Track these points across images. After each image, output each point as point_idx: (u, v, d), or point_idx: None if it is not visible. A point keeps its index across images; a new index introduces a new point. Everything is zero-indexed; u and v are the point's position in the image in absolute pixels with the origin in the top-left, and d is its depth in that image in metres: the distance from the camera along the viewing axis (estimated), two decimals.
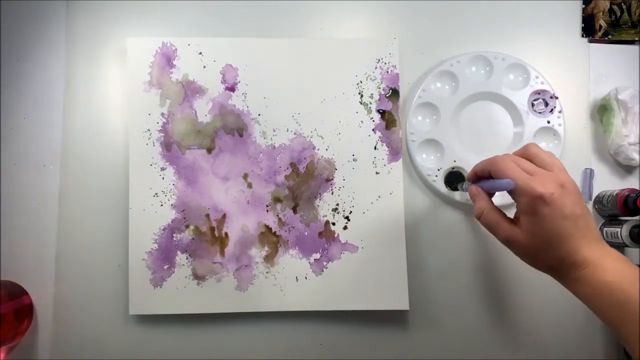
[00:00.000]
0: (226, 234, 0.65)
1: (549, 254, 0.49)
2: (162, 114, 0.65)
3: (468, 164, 0.66)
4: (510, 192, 0.50)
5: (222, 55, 0.66)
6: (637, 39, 0.70)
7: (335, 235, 0.65)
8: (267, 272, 0.64)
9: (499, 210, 0.53)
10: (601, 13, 0.70)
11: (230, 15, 0.69)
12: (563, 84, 0.68)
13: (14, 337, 0.63)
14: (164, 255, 0.64)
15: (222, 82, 0.66)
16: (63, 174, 0.67)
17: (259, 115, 0.66)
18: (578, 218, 0.48)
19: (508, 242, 0.51)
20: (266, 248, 0.65)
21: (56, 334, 0.65)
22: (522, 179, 0.48)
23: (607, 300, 0.47)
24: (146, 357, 0.65)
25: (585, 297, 0.49)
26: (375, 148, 0.66)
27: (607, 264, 0.48)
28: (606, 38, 0.70)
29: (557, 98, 0.67)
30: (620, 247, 0.66)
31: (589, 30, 0.70)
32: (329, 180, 0.66)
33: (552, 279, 0.66)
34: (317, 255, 0.65)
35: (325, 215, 0.65)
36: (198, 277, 0.64)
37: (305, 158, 0.66)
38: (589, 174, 0.68)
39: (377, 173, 0.66)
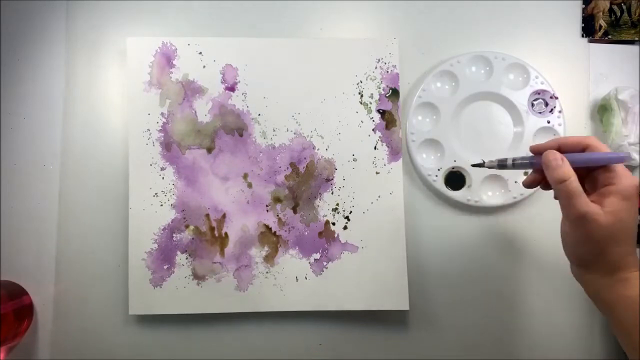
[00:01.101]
0: (226, 233, 0.65)
1: (617, 244, 0.48)
2: (162, 114, 0.65)
3: (468, 164, 0.66)
4: (604, 171, 0.50)
5: (222, 55, 0.66)
6: (637, 39, 0.70)
7: (335, 235, 0.65)
8: (267, 272, 0.64)
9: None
10: (601, 13, 0.70)
11: (230, 15, 0.69)
12: (563, 84, 0.68)
13: (14, 337, 0.63)
14: (164, 255, 0.64)
15: (222, 82, 0.66)
16: (63, 174, 0.67)
17: (259, 115, 0.66)
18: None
19: (584, 218, 0.48)
20: (266, 248, 0.65)
21: (56, 334, 0.65)
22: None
23: None
24: (146, 357, 0.65)
25: (625, 300, 0.48)
26: (375, 148, 0.66)
27: None
28: (606, 38, 0.70)
29: (557, 98, 0.67)
30: None
31: (589, 30, 0.70)
32: (329, 180, 0.66)
33: (552, 280, 0.67)
34: (317, 255, 0.65)
35: (325, 215, 0.65)
36: (198, 277, 0.64)
37: (305, 158, 0.66)
38: None
39: (377, 173, 0.66)
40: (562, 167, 0.50)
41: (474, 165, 0.60)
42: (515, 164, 0.54)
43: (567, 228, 0.51)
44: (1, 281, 0.64)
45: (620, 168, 0.49)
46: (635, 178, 0.48)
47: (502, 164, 0.56)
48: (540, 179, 0.54)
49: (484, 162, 0.57)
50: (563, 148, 0.52)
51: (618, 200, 0.48)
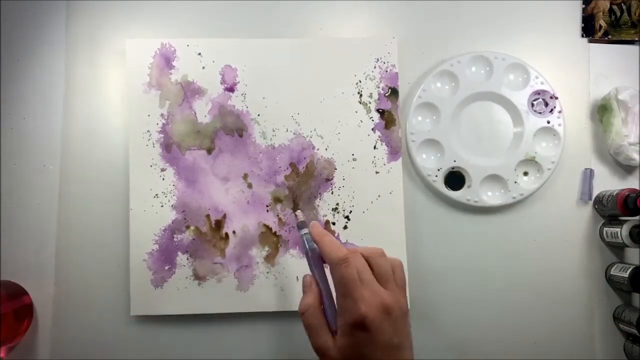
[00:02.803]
0: (226, 234, 0.65)
1: None
2: (162, 115, 0.65)
3: (468, 164, 0.66)
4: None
5: (221, 56, 0.66)
6: (637, 39, 0.70)
7: (336, 235, 0.65)
8: (267, 272, 0.65)
9: (323, 313, 0.50)
10: (601, 13, 0.69)
11: (229, 15, 0.69)
12: (563, 84, 0.68)
13: (14, 337, 0.63)
14: (165, 256, 0.64)
15: (221, 83, 0.66)
16: (63, 174, 0.66)
17: (259, 115, 0.66)
18: (394, 348, 0.46)
19: (319, 353, 0.49)
20: (266, 248, 0.65)
21: (56, 334, 0.65)
22: (354, 295, 0.46)
23: None
24: (147, 357, 0.65)
25: None
26: (374, 147, 0.66)
27: None
28: (606, 38, 0.70)
29: (557, 98, 0.67)
30: (620, 247, 0.67)
31: (589, 30, 0.70)
32: (328, 180, 0.66)
33: (552, 280, 0.67)
34: None
35: (325, 215, 0.66)
36: (199, 278, 0.64)
37: (304, 158, 0.66)
38: (589, 174, 0.68)
39: (376, 172, 0.66)
40: (306, 296, 0.51)
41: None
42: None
43: None
44: (1, 281, 0.64)
45: (355, 293, 0.46)
46: (359, 308, 0.45)
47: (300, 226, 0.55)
48: None
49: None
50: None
51: (342, 336, 0.47)
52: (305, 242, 0.54)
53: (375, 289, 0.47)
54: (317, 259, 0.53)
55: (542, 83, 0.67)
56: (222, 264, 0.64)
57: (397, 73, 0.67)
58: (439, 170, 0.66)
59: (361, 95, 0.67)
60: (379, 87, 0.67)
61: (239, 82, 0.66)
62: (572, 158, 0.68)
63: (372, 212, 0.65)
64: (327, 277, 0.52)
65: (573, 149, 0.68)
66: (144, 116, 0.65)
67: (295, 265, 0.65)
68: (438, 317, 0.67)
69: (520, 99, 0.67)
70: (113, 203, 0.66)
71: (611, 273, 0.66)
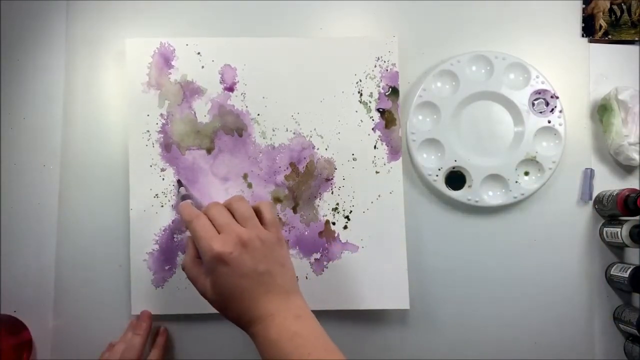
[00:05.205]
0: None
1: (231, 311, 0.50)
2: (161, 115, 0.65)
3: (469, 164, 0.66)
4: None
5: (221, 55, 0.66)
6: (637, 39, 0.69)
7: (336, 235, 0.65)
8: None
9: (200, 263, 0.52)
10: (601, 13, 0.69)
11: (228, 15, 0.68)
12: (563, 83, 0.68)
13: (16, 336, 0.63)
14: (165, 256, 0.64)
15: (220, 82, 0.66)
16: (63, 174, 0.67)
17: (258, 115, 0.66)
18: (261, 275, 0.50)
19: (204, 297, 0.52)
20: None
21: (58, 334, 0.65)
22: (204, 239, 0.50)
23: (271, 358, 0.47)
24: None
25: (260, 354, 0.49)
26: (375, 147, 0.66)
27: (278, 320, 0.48)
28: (606, 38, 0.69)
29: (557, 98, 0.67)
30: (620, 247, 0.67)
31: (589, 30, 0.70)
32: (328, 179, 0.66)
33: (552, 280, 0.67)
34: (318, 255, 0.65)
35: (325, 215, 0.65)
36: None
37: (304, 158, 0.66)
38: (589, 174, 0.68)
39: (377, 172, 0.66)
40: (186, 252, 0.54)
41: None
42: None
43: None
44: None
45: (199, 246, 0.51)
46: (213, 248, 0.49)
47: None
48: None
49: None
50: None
51: (209, 275, 0.51)
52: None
53: (232, 228, 0.51)
54: None
55: (542, 82, 0.67)
56: None
57: (397, 72, 0.67)
58: (439, 170, 0.66)
59: (361, 95, 0.67)
60: (379, 87, 0.67)
61: (238, 81, 0.66)
62: (572, 158, 0.68)
63: (372, 212, 0.65)
64: None
65: (573, 148, 0.68)
66: (144, 116, 0.65)
67: (295, 265, 0.63)
68: (438, 317, 0.67)
69: (521, 99, 0.67)
70: (113, 203, 0.66)
71: (611, 273, 0.66)
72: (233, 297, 0.49)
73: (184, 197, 0.61)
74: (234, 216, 0.53)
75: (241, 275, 0.49)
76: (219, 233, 0.51)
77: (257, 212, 0.54)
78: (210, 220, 0.52)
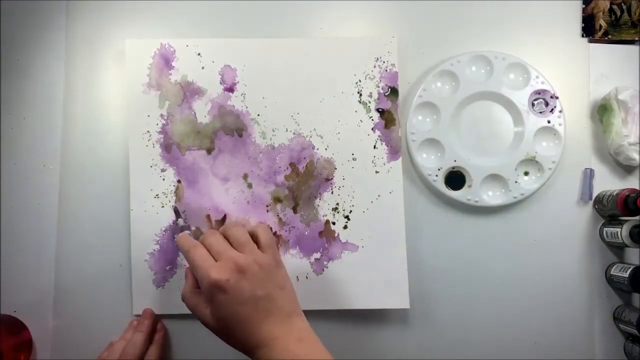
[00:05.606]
0: None
1: (233, 338, 0.51)
2: (162, 115, 0.65)
3: (468, 164, 0.66)
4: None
5: (221, 56, 0.66)
6: (637, 39, 0.69)
7: (336, 235, 0.65)
8: None
9: (199, 292, 0.53)
10: (601, 13, 0.69)
11: (228, 15, 0.68)
12: (563, 84, 0.68)
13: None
14: (166, 256, 0.64)
15: (220, 83, 0.66)
16: (63, 174, 0.67)
17: (258, 115, 0.66)
18: (260, 299, 0.50)
19: (206, 326, 0.53)
20: None
21: (58, 334, 0.65)
22: (202, 267, 0.51)
23: None
24: None
25: None
26: (374, 147, 0.66)
27: (282, 344, 0.49)
28: (606, 38, 0.69)
29: (557, 98, 0.67)
30: (620, 247, 0.67)
31: (589, 30, 0.70)
32: (328, 179, 0.66)
33: (552, 280, 0.67)
34: (318, 255, 0.65)
35: (325, 215, 0.66)
36: None
37: (304, 158, 0.66)
38: (589, 174, 0.68)
39: (376, 172, 0.66)
40: (185, 283, 0.56)
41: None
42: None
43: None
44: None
45: (197, 276, 0.52)
46: (210, 276, 0.50)
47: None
48: None
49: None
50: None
51: (208, 304, 0.52)
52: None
53: (229, 254, 0.52)
54: None
55: (542, 82, 0.67)
56: None
57: (397, 72, 0.67)
58: (439, 170, 0.66)
59: (361, 95, 0.67)
60: (378, 87, 0.67)
61: (238, 82, 0.66)
62: (572, 158, 0.68)
63: (372, 212, 0.65)
64: None
65: (573, 148, 0.68)
66: (144, 116, 0.65)
67: (295, 265, 0.65)
68: (438, 317, 0.67)
69: (521, 99, 0.67)
70: (113, 203, 0.66)
71: (611, 273, 0.66)
72: (234, 324, 0.50)
73: (182, 228, 0.64)
74: (230, 243, 0.54)
75: (240, 302, 0.50)
76: (217, 261, 0.51)
77: (253, 236, 0.56)
78: (207, 249, 0.53)
